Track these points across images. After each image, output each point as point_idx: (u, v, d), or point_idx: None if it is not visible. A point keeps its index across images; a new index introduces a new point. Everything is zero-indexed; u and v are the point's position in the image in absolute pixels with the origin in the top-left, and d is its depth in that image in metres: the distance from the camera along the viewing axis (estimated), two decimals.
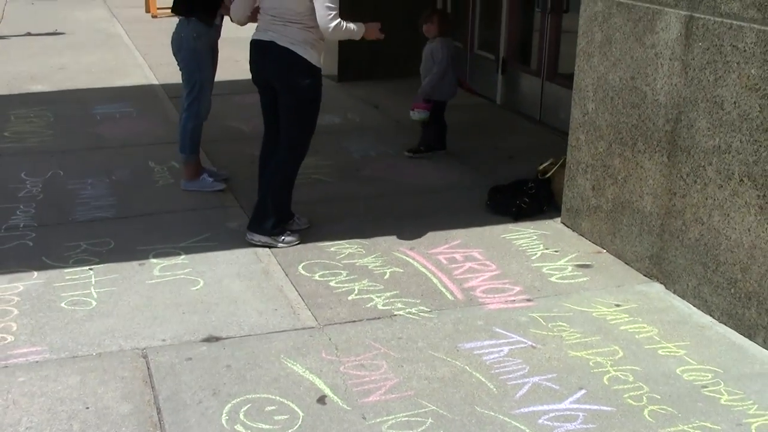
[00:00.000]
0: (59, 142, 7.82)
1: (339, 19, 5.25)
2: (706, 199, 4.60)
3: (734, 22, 4.33)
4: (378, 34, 5.65)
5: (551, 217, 6.02)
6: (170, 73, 9.98)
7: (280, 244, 5.48)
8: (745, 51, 4.26)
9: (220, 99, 8.62)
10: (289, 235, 5.55)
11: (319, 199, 6.16)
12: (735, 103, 4.35)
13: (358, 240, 5.61)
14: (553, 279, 5.08)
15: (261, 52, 5.49)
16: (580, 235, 5.73)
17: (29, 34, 13.89)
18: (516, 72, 9.08)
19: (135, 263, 5.17)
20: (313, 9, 5.23)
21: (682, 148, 4.74)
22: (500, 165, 7.13)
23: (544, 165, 6.26)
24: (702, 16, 4.54)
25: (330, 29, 5.24)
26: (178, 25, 6.38)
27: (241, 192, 6.44)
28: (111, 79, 10.29)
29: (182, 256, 5.29)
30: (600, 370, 4.09)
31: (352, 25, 5.36)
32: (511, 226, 5.89)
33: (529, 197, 6.07)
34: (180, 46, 6.37)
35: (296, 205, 5.80)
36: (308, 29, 5.32)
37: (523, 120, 8.66)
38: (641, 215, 5.13)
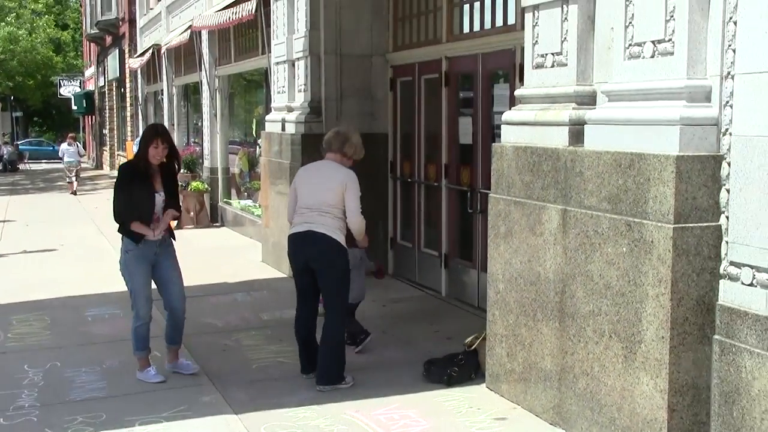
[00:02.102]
0: (56, 339, 8.88)
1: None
2: (588, 354, 5.70)
3: (594, 212, 5.57)
4: (366, 242, 7.57)
5: (478, 383, 7.06)
6: None
7: (342, 385, 7.08)
8: (602, 234, 5.48)
9: (196, 300, 9.81)
10: (347, 377, 7.18)
11: (280, 377, 7.20)
12: (600, 275, 5.53)
13: (312, 407, 6.63)
14: (472, 429, 6.10)
15: (301, 240, 7.11)
16: (501, 395, 6.76)
17: (25, 251, 15.15)
18: (457, 266, 10.30)
19: (124, 430, 6.16)
20: (343, 201, 6.98)
21: (568, 315, 5.89)
22: (439, 344, 8.18)
23: (470, 339, 7.38)
24: (572, 208, 5.79)
25: (357, 219, 7.05)
26: None
27: (214, 374, 7.48)
28: (100, 287, 11.39)
29: (163, 423, 6.28)
30: None
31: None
32: (443, 391, 6.92)
33: (458, 367, 7.14)
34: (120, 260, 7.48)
35: (261, 383, 6.91)
36: (338, 218, 7.02)
37: (464, 306, 9.81)
38: (544, 373, 6.20)
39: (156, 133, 7.35)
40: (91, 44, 46.27)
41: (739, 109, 4.86)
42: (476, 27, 9.65)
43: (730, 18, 4.90)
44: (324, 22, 11.56)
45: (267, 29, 13.96)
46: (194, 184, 18.50)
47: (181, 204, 8.15)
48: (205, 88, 19.26)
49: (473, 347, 7.28)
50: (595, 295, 5.60)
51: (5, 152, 45.19)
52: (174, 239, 7.59)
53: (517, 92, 6.76)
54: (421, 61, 10.88)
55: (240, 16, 14.51)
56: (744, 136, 4.82)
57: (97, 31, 38.44)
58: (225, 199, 18.80)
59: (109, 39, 38.36)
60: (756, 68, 4.72)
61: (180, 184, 18.43)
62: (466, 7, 9.91)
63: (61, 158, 30.64)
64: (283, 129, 12.41)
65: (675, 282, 4.98)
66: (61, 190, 30.38)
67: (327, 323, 7.18)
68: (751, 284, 4.83)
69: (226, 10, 15.55)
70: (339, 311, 7.19)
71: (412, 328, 8.98)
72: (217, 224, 18.59)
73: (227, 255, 14.36)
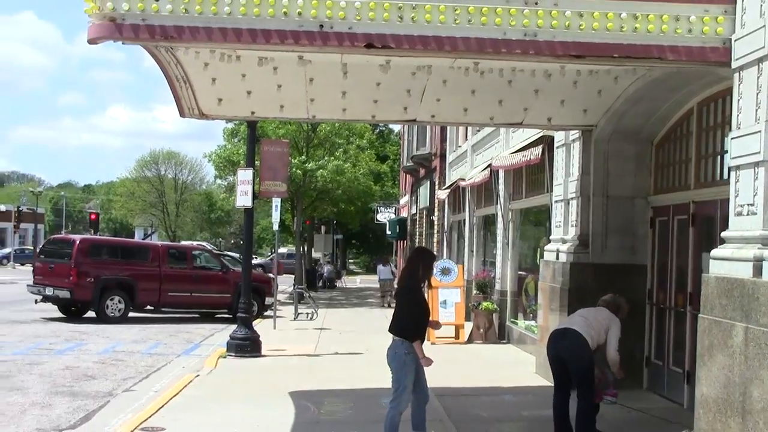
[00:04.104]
0: (356, 416, 11.31)
1: None
2: None
3: (765, 329, 7.12)
4: (622, 373, 9.77)
5: None
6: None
7: None
8: None
9: (472, 397, 11.92)
10: None
11: None
12: None
13: None
14: None
15: (558, 335, 9.75)
16: None
17: (336, 353, 17.95)
18: None
19: None
20: (603, 330, 9.61)
21: (747, 411, 7.38)
22: None
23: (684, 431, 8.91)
24: (752, 326, 7.36)
25: (615, 354, 9.60)
26: (394, 342, 9.20)
27: None
28: None
29: None
30: None
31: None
32: None
33: None
34: (393, 357, 9.19)
35: None
36: (594, 331, 9.60)
37: None
38: None
39: (434, 255, 9.48)
40: (407, 175, 50.57)
41: None
42: (717, 177, 11.24)
43: None
44: (594, 168, 13.52)
45: (550, 171, 16.07)
46: (485, 304, 20.69)
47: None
48: (499, 219, 21.60)
49: None
50: (765, 395, 7.09)
51: (325, 271, 49.79)
52: None
53: (722, 234, 8.41)
54: (674, 204, 12.55)
55: (529, 159, 16.73)
56: None
57: (412, 164, 42.37)
58: (512, 319, 20.80)
59: (422, 171, 42.10)
60: None
61: (472, 303, 20.80)
62: (710, 160, 11.54)
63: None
64: (557, 258, 14.36)
65: None
66: (371, 306, 33.73)
67: (578, 406, 9.36)
68: None
69: (518, 153, 17.84)
70: (587, 396, 9.34)
71: (650, 429, 10.51)
72: (504, 341, 20.61)
73: (506, 366, 16.33)
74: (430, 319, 9.57)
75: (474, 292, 22.13)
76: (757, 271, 7.53)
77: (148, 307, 26.52)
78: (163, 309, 26.60)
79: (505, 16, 8.17)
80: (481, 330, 20.47)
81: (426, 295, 9.56)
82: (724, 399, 7.82)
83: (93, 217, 63.23)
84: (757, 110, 7.82)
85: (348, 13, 8.09)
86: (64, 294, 25.09)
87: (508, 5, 8.18)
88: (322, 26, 8.11)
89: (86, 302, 25.53)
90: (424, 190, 40.61)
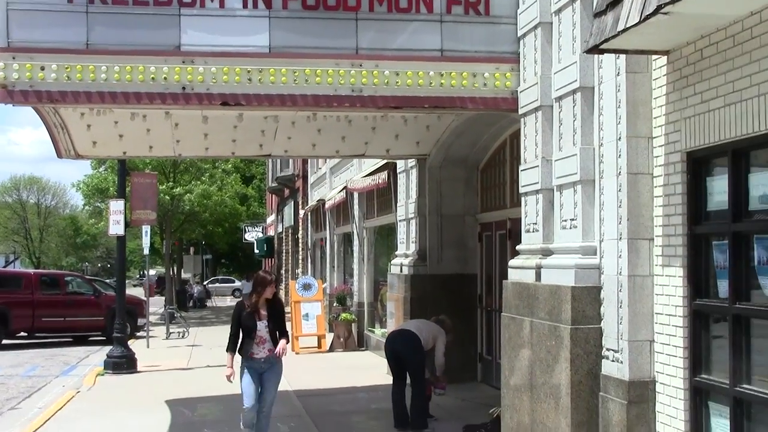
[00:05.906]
0: (224, 416, 12.89)
1: None
2: (542, 409, 9.16)
3: (542, 321, 9.13)
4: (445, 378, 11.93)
5: None
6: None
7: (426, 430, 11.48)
8: (545, 334, 9.02)
9: (329, 396, 13.64)
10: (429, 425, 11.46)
11: None
12: (545, 359, 9.04)
13: None
14: None
15: (395, 336, 12.05)
16: None
17: (208, 366, 19.44)
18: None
19: None
20: (432, 339, 11.72)
21: (533, 387, 9.37)
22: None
23: (493, 409, 10.89)
24: (535, 320, 9.36)
25: (443, 358, 11.68)
26: None
27: None
28: None
29: None
30: None
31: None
32: None
33: (485, 428, 10.68)
34: None
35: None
36: (425, 338, 11.76)
37: None
38: (523, 426, 9.66)
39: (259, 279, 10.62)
40: (272, 195, 52.17)
41: (605, 260, 8.44)
42: None
43: (601, 209, 8.53)
44: (429, 191, 15.54)
45: (395, 193, 18.05)
46: (344, 315, 22.56)
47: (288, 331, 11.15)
48: (355, 237, 23.50)
49: (496, 415, 10.77)
50: (543, 373, 9.09)
51: (195, 291, 50.92)
52: (280, 361, 10.44)
53: (516, 247, 10.44)
54: (495, 221, 14.66)
55: (377, 183, 18.70)
56: (608, 275, 8.38)
57: (277, 184, 44.02)
58: (369, 328, 22.71)
59: (287, 191, 43.77)
60: (612, 237, 8.31)
61: (332, 315, 22.60)
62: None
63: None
64: (401, 270, 16.32)
65: (573, 360, 8.47)
66: None
67: (412, 394, 11.41)
68: (612, 360, 8.28)
69: (369, 177, 19.79)
70: (419, 386, 11.43)
71: (475, 413, 12.50)
72: (363, 348, 22.49)
73: (363, 370, 18.19)
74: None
75: (334, 304, 23.98)
76: (538, 276, 9.55)
77: (22, 333, 27.39)
78: (36, 335, 27.54)
79: (335, 76, 10.02)
80: (342, 339, 22.31)
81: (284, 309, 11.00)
82: (520, 379, 9.81)
83: None
84: (536, 149, 9.88)
85: (206, 77, 9.80)
86: None
87: (338, 67, 10.03)
88: (184, 88, 9.80)
89: None
90: (288, 210, 42.25)
